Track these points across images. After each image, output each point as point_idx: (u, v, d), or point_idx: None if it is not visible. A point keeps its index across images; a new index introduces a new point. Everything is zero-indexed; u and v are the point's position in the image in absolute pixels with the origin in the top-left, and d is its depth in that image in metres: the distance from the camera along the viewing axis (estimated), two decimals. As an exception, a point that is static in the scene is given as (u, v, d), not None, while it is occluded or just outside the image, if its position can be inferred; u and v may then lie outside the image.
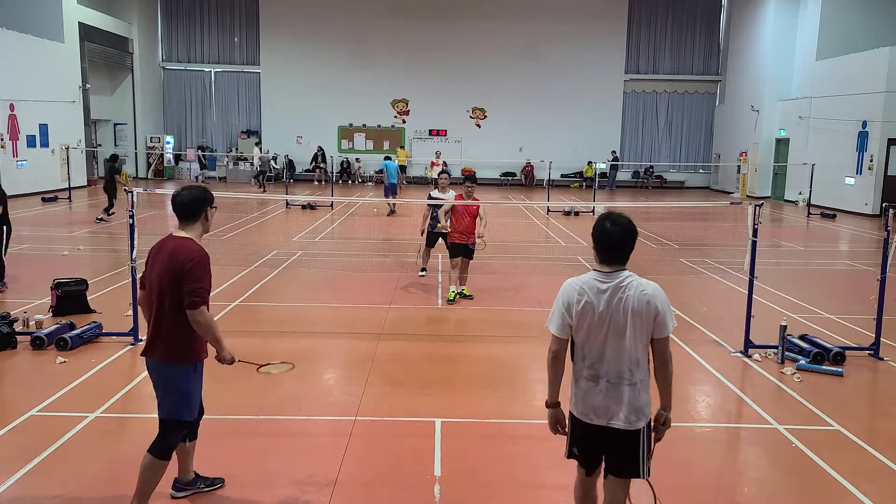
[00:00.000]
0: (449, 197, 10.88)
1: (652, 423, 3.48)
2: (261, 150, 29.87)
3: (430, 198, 10.93)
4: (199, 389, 4.16)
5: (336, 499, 4.48)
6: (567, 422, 3.59)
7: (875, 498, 4.60)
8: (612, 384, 3.37)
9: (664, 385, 3.42)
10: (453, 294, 9.75)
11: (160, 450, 4.07)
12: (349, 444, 5.22)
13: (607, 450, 3.49)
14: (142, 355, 4.11)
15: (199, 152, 32.22)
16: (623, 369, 3.36)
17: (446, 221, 9.74)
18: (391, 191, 20.49)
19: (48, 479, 4.63)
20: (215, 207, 4.17)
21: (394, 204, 20.20)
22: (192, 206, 4.02)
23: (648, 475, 3.47)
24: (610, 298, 3.35)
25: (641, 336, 3.35)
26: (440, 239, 10.77)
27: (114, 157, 18.97)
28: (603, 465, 3.57)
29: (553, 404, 3.57)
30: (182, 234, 4.03)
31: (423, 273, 11.37)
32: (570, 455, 3.62)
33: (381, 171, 23.84)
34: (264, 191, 26.40)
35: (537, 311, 9.34)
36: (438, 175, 11.38)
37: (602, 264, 3.43)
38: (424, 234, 11.09)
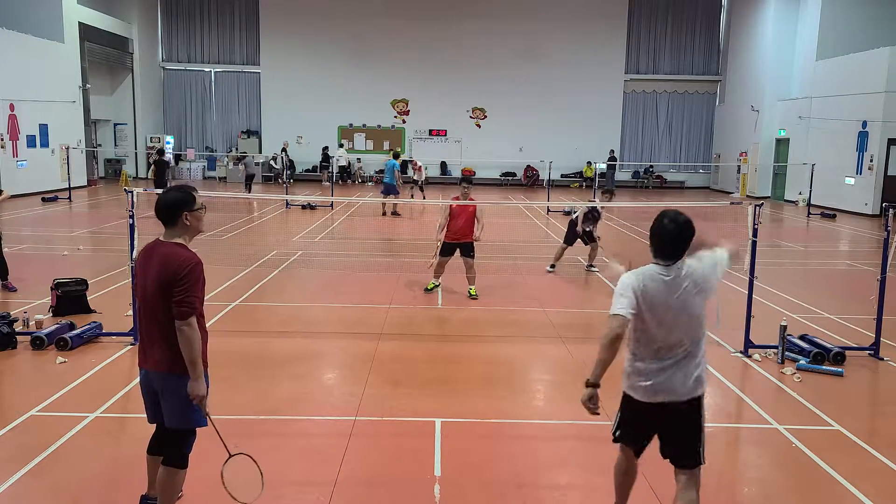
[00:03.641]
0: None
1: None
2: (280, 152, 29.72)
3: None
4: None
5: (336, 499, 4.48)
6: (621, 405, 3.80)
7: (875, 498, 4.60)
8: (679, 361, 3.58)
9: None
10: (432, 285, 10.14)
11: (178, 459, 3.93)
12: (349, 444, 5.22)
13: (668, 428, 3.68)
14: (139, 366, 3.93)
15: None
16: (688, 346, 3.59)
17: (441, 234, 9.93)
18: (389, 191, 19.59)
19: (48, 479, 4.63)
20: (201, 208, 3.92)
21: (395, 205, 20.01)
22: (169, 210, 3.83)
23: (703, 462, 3.69)
24: (673, 285, 3.56)
25: (701, 316, 3.60)
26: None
27: (161, 152, 19.13)
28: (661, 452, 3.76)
29: (595, 384, 3.66)
30: (170, 239, 3.86)
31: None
32: (618, 438, 3.85)
33: (381, 171, 23.63)
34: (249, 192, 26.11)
35: (537, 311, 9.34)
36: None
37: (658, 258, 3.63)
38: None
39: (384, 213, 19.89)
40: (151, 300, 3.78)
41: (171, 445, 3.94)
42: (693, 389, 3.61)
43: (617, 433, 3.86)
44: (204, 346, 3.85)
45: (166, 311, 3.73)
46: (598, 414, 3.76)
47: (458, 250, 9.89)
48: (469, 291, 9.97)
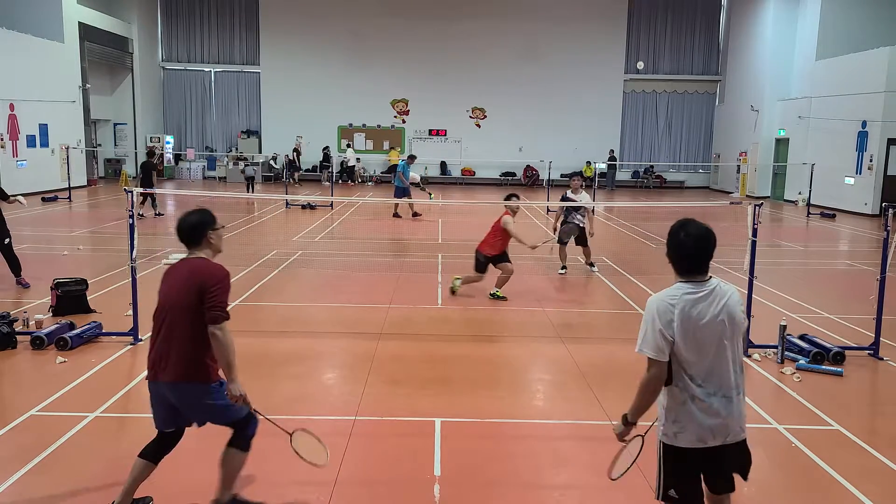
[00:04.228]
0: (581, 198, 11.45)
1: None
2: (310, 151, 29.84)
3: (564, 198, 11.43)
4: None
5: (336, 499, 4.48)
6: (663, 460, 3.33)
7: (875, 498, 4.60)
8: (727, 398, 3.19)
9: None
10: (456, 284, 10.10)
11: (244, 442, 4.12)
12: (349, 444, 5.23)
13: (718, 469, 3.31)
14: (150, 379, 4.03)
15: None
16: (733, 379, 3.22)
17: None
18: (400, 193, 19.15)
19: (48, 479, 4.63)
20: (221, 227, 4.18)
21: (411, 206, 19.27)
22: (193, 232, 4.07)
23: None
24: (708, 307, 3.17)
25: (741, 341, 3.26)
26: (573, 237, 11.55)
27: (150, 153, 19.07)
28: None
29: (633, 423, 3.39)
30: (198, 255, 4.08)
31: (564, 271, 11.70)
32: (666, 498, 3.33)
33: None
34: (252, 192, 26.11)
35: (537, 311, 9.35)
36: (571, 177, 12.03)
37: (682, 275, 3.26)
38: (557, 232, 11.59)
39: (397, 215, 19.32)
40: (173, 311, 3.94)
41: (236, 433, 4.12)
42: (744, 429, 3.27)
43: (663, 493, 3.33)
44: (220, 363, 4.00)
45: (187, 323, 3.89)
46: (625, 444, 3.52)
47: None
48: (495, 293, 9.98)
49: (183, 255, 4.19)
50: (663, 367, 3.19)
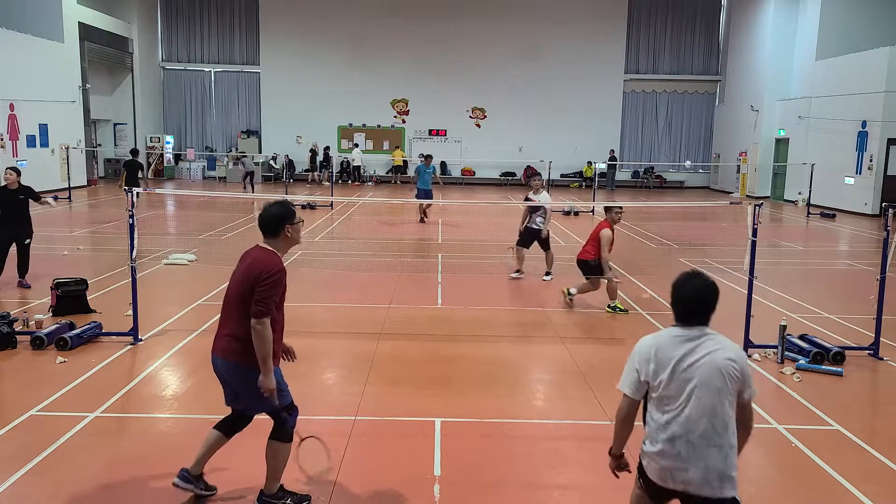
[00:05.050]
0: (541, 199, 11.10)
1: None
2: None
3: (527, 199, 11.18)
4: (282, 380, 4.24)
5: (336, 499, 4.48)
6: (638, 470, 3.40)
7: (875, 498, 4.60)
8: (692, 444, 3.13)
9: (737, 449, 3.23)
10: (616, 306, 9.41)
11: (284, 434, 4.24)
12: (349, 444, 5.23)
13: None
14: (212, 351, 4.23)
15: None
16: (706, 430, 3.12)
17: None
18: (423, 196, 18.20)
19: (48, 479, 4.63)
20: (301, 222, 4.34)
21: (424, 207, 18.55)
22: (272, 223, 4.21)
23: None
24: (691, 351, 3.18)
25: (726, 396, 3.14)
26: (535, 241, 11.14)
27: (134, 153, 19.04)
28: None
29: (619, 455, 3.46)
30: (266, 246, 4.21)
31: (519, 275, 11.25)
32: (642, 492, 3.40)
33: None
34: (253, 191, 26.05)
35: (537, 311, 9.35)
36: (531, 178, 11.72)
37: (679, 323, 3.29)
38: (520, 234, 11.28)
39: (423, 219, 18.49)
40: (231, 294, 4.15)
41: (275, 426, 4.25)
42: (718, 488, 3.12)
43: (641, 482, 3.40)
44: (277, 344, 4.18)
45: (240, 308, 4.05)
46: (630, 472, 3.52)
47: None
48: (615, 306, 9.42)
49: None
50: (634, 404, 3.30)
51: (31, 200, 9.97)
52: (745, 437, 3.28)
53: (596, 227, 9.51)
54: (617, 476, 3.53)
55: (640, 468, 3.36)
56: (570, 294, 9.54)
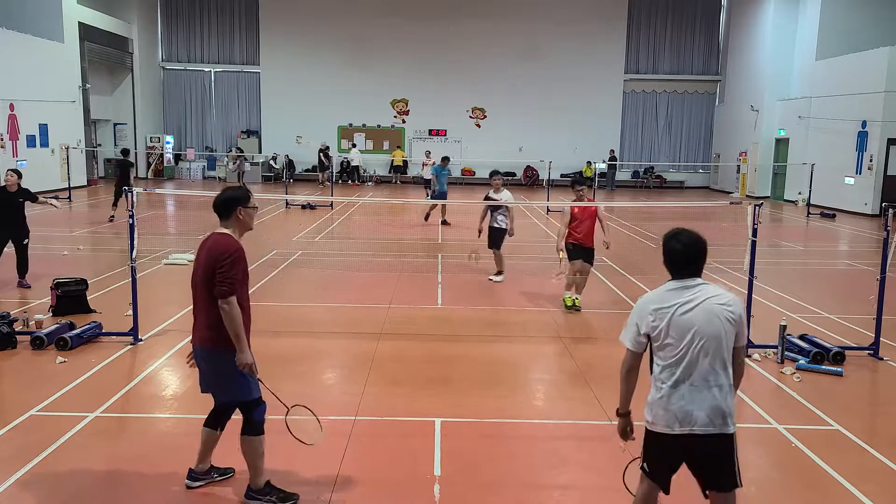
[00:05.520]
0: (502, 198, 10.93)
1: None
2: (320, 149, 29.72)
3: (487, 198, 11.00)
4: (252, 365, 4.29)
5: (336, 499, 4.48)
6: (644, 439, 3.57)
7: (875, 498, 4.60)
8: (695, 387, 3.34)
9: (732, 391, 3.46)
10: (570, 300, 9.33)
11: (252, 428, 4.30)
12: (349, 444, 5.23)
13: (694, 461, 3.44)
14: (191, 342, 4.35)
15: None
16: (706, 372, 3.35)
17: (561, 241, 9.36)
18: (441, 197, 17.77)
19: (48, 479, 4.63)
20: (253, 207, 4.37)
21: (438, 210, 18.16)
22: (225, 205, 4.29)
23: (741, 485, 3.45)
24: (688, 301, 3.39)
25: (724, 339, 3.37)
26: (503, 239, 10.95)
27: (125, 152, 18.99)
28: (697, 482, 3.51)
29: (625, 413, 3.67)
30: (221, 230, 4.29)
31: (500, 278, 11.03)
32: (642, 469, 3.62)
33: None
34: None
35: (537, 311, 9.34)
36: (492, 176, 11.41)
37: (673, 277, 3.52)
38: (481, 234, 11.11)
39: (445, 222, 17.94)
40: (197, 282, 4.24)
41: (243, 420, 4.32)
42: (720, 425, 3.35)
43: (645, 466, 3.59)
44: (247, 328, 4.24)
45: (207, 295, 4.16)
46: (633, 439, 3.69)
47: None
48: (573, 301, 9.33)
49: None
50: (638, 358, 3.51)
51: (27, 202, 10.04)
52: (738, 382, 3.52)
53: (591, 209, 9.26)
54: (624, 441, 3.72)
55: (647, 431, 3.51)
56: (575, 304, 9.37)
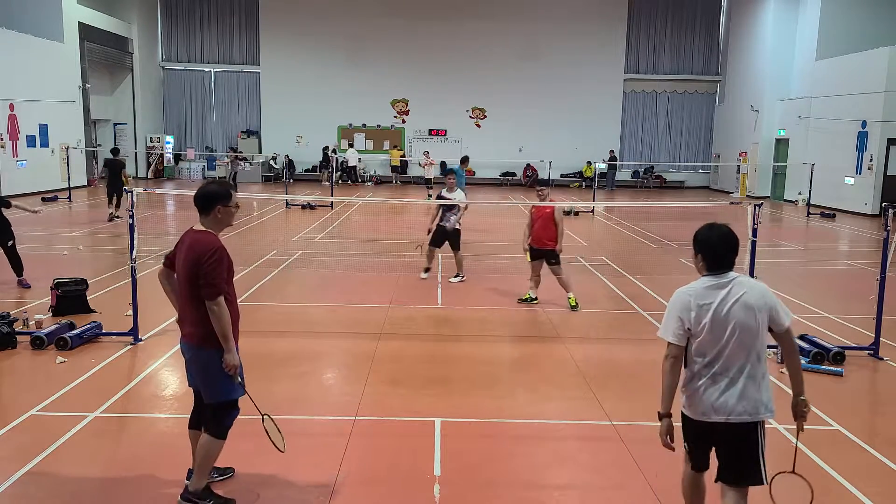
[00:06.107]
0: (456, 196, 10.91)
1: (793, 414, 3.70)
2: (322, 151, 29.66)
3: (440, 197, 10.93)
4: (239, 373, 4.23)
5: (336, 499, 4.48)
6: (682, 428, 3.69)
7: (875, 498, 4.60)
8: (732, 379, 3.50)
9: (795, 372, 3.66)
10: (527, 296, 9.64)
11: (218, 430, 4.22)
12: (349, 444, 5.23)
13: (723, 449, 3.59)
14: (181, 339, 4.31)
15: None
16: (743, 364, 3.50)
17: (526, 241, 9.51)
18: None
19: (48, 479, 4.63)
20: (234, 207, 4.28)
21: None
22: (202, 201, 4.21)
23: (769, 481, 3.57)
24: (726, 297, 3.51)
25: (760, 330, 3.51)
26: (446, 240, 10.88)
27: (115, 151, 18.98)
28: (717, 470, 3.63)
29: (666, 414, 3.63)
30: (200, 227, 4.22)
31: (427, 275, 11.23)
32: (686, 457, 3.76)
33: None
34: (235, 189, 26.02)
35: (537, 311, 9.34)
36: (446, 175, 11.35)
37: (709, 271, 3.60)
38: (431, 234, 11.03)
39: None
40: (182, 282, 4.17)
41: (213, 417, 4.23)
42: (753, 412, 3.50)
43: (686, 447, 3.76)
44: (235, 325, 4.20)
45: (191, 293, 4.09)
46: (674, 450, 3.68)
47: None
48: (528, 297, 9.59)
49: None
50: (680, 350, 3.57)
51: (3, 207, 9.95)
52: (797, 360, 3.68)
53: (547, 210, 9.34)
54: (672, 448, 3.66)
55: (683, 416, 3.65)
56: (528, 298, 9.60)
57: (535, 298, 9.63)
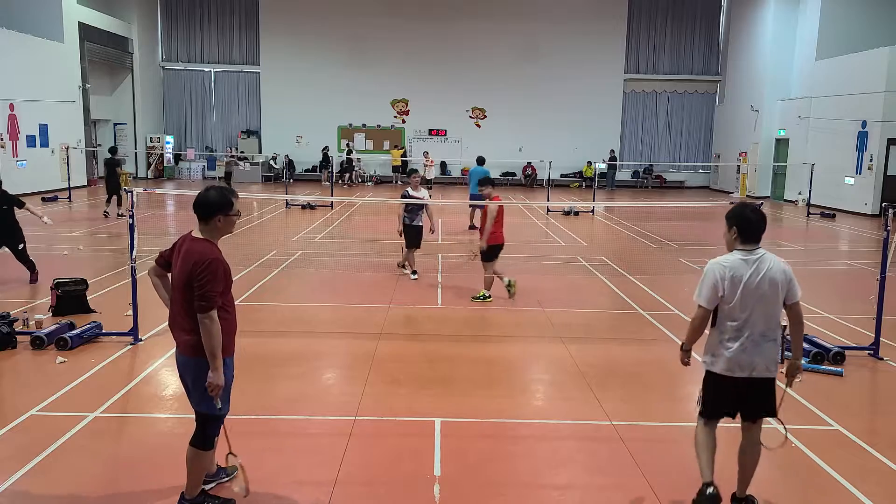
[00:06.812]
0: (421, 195, 11.01)
1: (785, 372, 4.41)
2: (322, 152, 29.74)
3: (405, 196, 10.95)
4: (229, 383, 4.14)
5: (336, 499, 4.48)
6: (704, 381, 4.36)
7: (875, 498, 4.60)
8: (755, 342, 4.15)
9: (798, 340, 4.34)
10: (480, 293, 9.84)
11: (202, 441, 4.15)
12: (349, 444, 5.23)
13: (745, 399, 4.25)
14: (176, 349, 4.21)
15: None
16: (766, 328, 4.16)
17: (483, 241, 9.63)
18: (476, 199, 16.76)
19: (48, 479, 4.63)
20: (235, 215, 4.16)
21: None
22: (205, 208, 4.08)
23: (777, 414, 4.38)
24: (755, 271, 4.11)
25: (779, 300, 4.16)
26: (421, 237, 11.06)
27: (112, 150, 18.99)
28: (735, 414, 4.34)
29: (688, 350, 4.44)
30: (198, 235, 4.09)
31: (416, 276, 11.15)
32: (702, 408, 4.38)
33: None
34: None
35: (537, 311, 9.34)
36: (411, 175, 11.58)
37: (744, 244, 4.17)
38: (402, 235, 11.07)
39: (472, 226, 17.04)
40: (177, 287, 4.07)
41: (198, 428, 4.16)
42: (772, 371, 4.20)
43: (699, 408, 4.39)
44: (232, 337, 4.11)
45: (184, 301, 3.99)
46: (689, 364, 4.48)
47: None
48: (481, 294, 9.85)
49: None
50: (708, 313, 4.21)
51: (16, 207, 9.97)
52: (801, 329, 4.36)
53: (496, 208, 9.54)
54: (688, 363, 4.49)
55: (707, 372, 4.30)
56: (510, 287, 9.85)
57: (483, 293, 9.83)
